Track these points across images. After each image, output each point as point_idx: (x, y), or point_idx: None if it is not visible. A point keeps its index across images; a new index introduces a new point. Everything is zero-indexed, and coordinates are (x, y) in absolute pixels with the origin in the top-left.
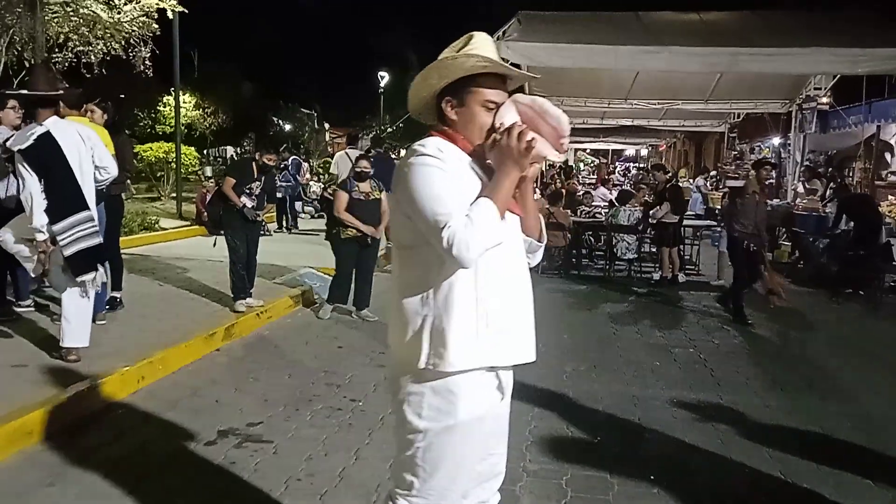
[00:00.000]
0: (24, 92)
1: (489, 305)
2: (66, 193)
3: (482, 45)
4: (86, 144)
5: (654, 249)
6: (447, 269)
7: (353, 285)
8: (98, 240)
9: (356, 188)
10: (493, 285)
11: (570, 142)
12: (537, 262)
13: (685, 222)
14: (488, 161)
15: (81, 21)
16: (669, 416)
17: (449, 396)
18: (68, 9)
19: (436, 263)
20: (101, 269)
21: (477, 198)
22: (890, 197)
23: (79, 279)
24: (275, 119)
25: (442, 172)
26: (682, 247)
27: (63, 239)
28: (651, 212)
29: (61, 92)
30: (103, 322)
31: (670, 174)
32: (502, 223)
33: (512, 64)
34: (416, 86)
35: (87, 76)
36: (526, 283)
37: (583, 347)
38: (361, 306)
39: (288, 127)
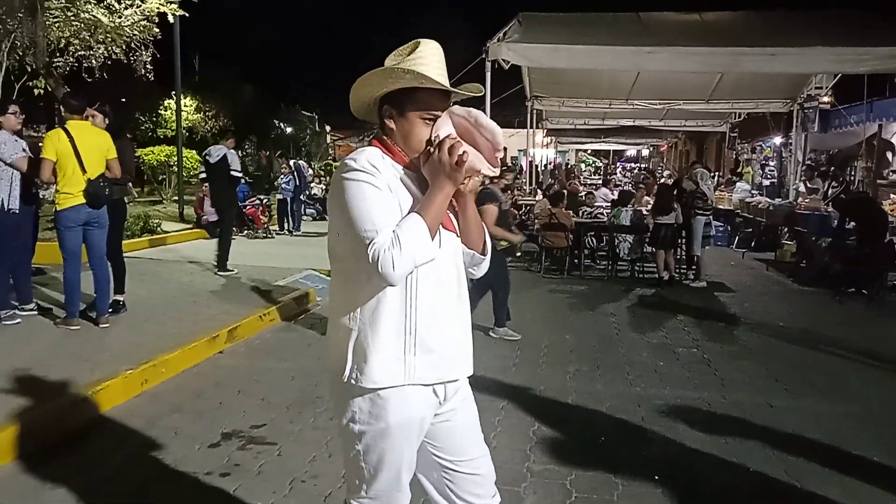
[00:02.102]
0: None
1: (416, 323)
2: None
3: (425, 58)
4: None
5: (653, 250)
6: (375, 285)
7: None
8: None
9: (503, 201)
10: (423, 302)
11: (572, 142)
12: (483, 273)
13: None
14: (424, 173)
15: (82, 25)
16: (673, 417)
17: (377, 401)
18: (69, 13)
19: (365, 278)
20: None
21: (407, 213)
22: (892, 195)
23: None
24: (276, 122)
25: (372, 188)
26: (679, 248)
27: None
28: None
29: None
30: (106, 325)
31: (662, 178)
32: (434, 239)
33: (513, 65)
34: (356, 89)
35: (89, 80)
36: (461, 299)
37: (586, 348)
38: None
39: (289, 129)
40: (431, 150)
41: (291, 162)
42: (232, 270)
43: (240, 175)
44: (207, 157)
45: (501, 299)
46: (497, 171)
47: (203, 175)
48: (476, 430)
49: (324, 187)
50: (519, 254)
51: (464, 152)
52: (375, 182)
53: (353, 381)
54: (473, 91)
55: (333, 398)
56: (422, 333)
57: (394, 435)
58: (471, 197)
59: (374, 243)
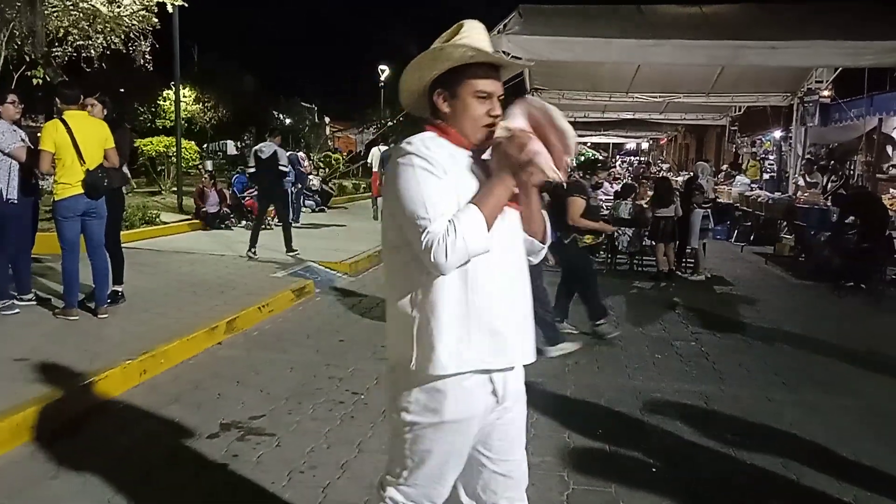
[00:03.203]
0: None
1: (479, 306)
2: None
3: (472, 34)
4: None
5: (653, 243)
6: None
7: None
8: None
9: (594, 195)
10: (484, 284)
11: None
12: (539, 260)
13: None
14: (484, 158)
15: (81, 15)
16: (671, 410)
17: (436, 395)
18: (68, 3)
19: (423, 265)
20: None
21: (466, 203)
22: (891, 190)
23: None
24: (275, 113)
25: (427, 173)
26: (677, 242)
27: None
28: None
29: None
30: (105, 316)
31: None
32: (497, 222)
33: (512, 58)
34: (405, 79)
35: (87, 70)
36: (522, 281)
37: (584, 341)
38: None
39: (288, 121)
40: (501, 139)
41: (289, 154)
42: (297, 251)
43: (287, 169)
44: (260, 154)
45: (587, 293)
46: (562, 178)
47: (252, 170)
48: (521, 431)
49: (322, 179)
50: (603, 251)
51: (536, 153)
52: (430, 167)
53: (421, 369)
54: (523, 64)
55: (388, 386)
56: (484, 315)
57: (446, 431)
58: (535, 189)
59: (429, 232)
